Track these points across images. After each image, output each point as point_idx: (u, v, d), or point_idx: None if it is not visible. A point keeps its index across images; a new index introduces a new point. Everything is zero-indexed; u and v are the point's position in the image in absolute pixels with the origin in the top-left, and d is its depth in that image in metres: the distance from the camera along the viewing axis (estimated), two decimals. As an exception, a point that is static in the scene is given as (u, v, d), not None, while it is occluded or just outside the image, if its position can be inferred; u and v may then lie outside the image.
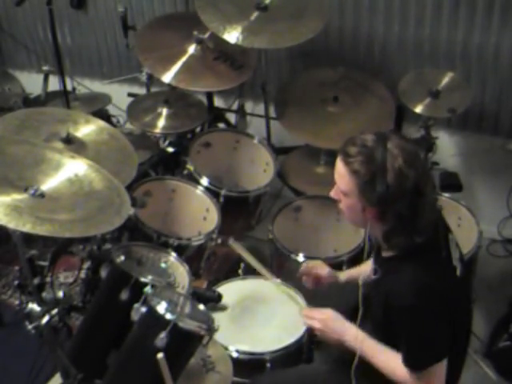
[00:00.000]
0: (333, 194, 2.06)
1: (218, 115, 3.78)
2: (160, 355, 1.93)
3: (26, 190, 2.13)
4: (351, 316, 2.19)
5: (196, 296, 2.51)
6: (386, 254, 2.06)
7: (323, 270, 2.48)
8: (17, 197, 2.08)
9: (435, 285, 1.93)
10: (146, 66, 3.36)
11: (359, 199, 1.95)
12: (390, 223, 1.94)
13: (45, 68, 3.70)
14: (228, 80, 3.32)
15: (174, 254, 2.74)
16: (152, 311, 2.02)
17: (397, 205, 1.90)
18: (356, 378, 2.10)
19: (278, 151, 3.48)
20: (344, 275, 2.49)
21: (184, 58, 3.31)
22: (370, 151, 1.91)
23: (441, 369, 1.98)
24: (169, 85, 3.39)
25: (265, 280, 2.65)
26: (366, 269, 2.34)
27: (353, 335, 2.10)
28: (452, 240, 2.07)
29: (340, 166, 1.97)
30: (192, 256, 2.91)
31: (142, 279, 2.19)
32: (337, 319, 2.16)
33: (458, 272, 2.05)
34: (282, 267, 2.95)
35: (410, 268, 1.94)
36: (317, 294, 2.53)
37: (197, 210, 3.07)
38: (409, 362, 1.99)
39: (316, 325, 2.18)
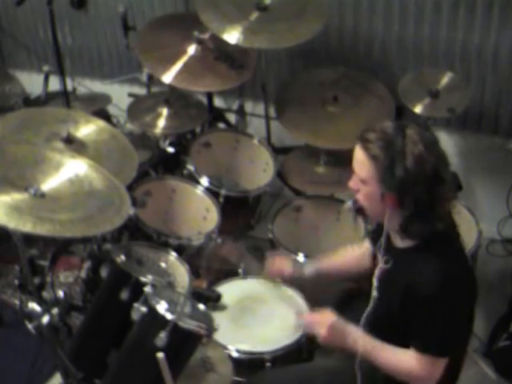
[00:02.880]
0: (351, 184, 2.06)
1: (217, 115, 3.78)
2: (160, 355, 1.94)
3: (26, 189, 2.13)
4: (339, 306, 2.23)
5: (196, 296, 2.51)
6: (401, 244, 2.07)
7: (286, 267, 2.50)
8: (17, 197, 2.09)
9: (459, 273, 1.97)
10: (147, 66, 3.36)
11: (379, 185, 1.95)
12: (410, 209, 1.94)
13: (45, 68, 3.69)
14: (228, 80, 3.32)
15: (174, 254, 2.75)
16: (152, 311, 2.03)
17: (416, 190, 1.91)
18: (359, 375, 2.12)
19: (278, 151, 3.48)
20: (312, 267, 2.46)
21: (184, 58, 3.31)
22: (390, 137, 1.93)
23: (443, 363, 2.00)
24: (169, 85, 3.40)
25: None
26: (340, 261, 2.37)
27: (355, 337, 2.10)
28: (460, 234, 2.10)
29: (359, 152, 1.98)
30: (192, 256, 2.91)
31: (142, 279, 2.20)
32: (338, 322, 2.15)
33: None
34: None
35: (431, 257, 1.96)
36: (318, 294, 2.54)
37: (197, 210, 3.08)
38: (426, 346, 1.99)
39: (319, 331, 2.16)
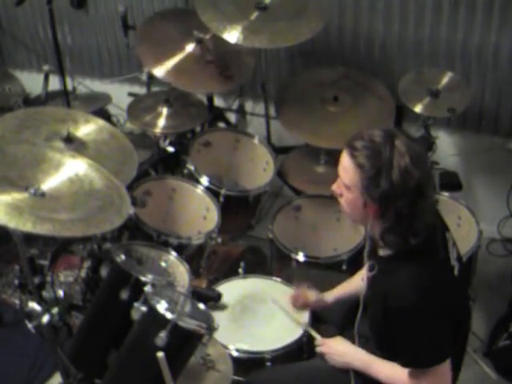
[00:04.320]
0: (335, 187, 2.04)
1: (218, 115, 3.78)
2: (160, 354, 1.93)
3: (26, 189, 2.13)
4: (348, 314, 2.22)
5: (196, 295, 2.52)
6: (383, 252, 2.06)
7: (309, 298, 2.49)
8: (17, 196, 2.09)
9: (433, 284, 1.93)
10: (142, 58, 3.34)
11: (361, 194, 1.93)
12: (390, 221, 1.93)
13: (45, 67, 3.70)
14: (212, 84, 3.32)
15: (174, 253, 2.75)
16: (152, 310, 2.03)
17: (398, 203, 1.88)
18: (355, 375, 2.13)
19: (278, 150, 3.48)
20: (331, 296, 2.47)
21: (181, 55, 3.31)
22: (377, 147, 1.89)
23: (444, 370, 1.97)
24: (169, 84, 3.39)
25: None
26: (354, 284, 2.35)
27: (358, 358, 2.14)
28: (449, 239, 2.07)
29: (345, 158, 1.96)
30: (192, 255, 2.91)
31: (142, 278, 2.20)
32: (344, 343, 2.21)
33: (456, 271, 2.05)
34: (282, 267, 2.95)
35: (408, 268, 1.94)
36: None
37: (197, 210, 3.08)
38: (409, 361, 1.99)
39: (326, 350, 2.23)
